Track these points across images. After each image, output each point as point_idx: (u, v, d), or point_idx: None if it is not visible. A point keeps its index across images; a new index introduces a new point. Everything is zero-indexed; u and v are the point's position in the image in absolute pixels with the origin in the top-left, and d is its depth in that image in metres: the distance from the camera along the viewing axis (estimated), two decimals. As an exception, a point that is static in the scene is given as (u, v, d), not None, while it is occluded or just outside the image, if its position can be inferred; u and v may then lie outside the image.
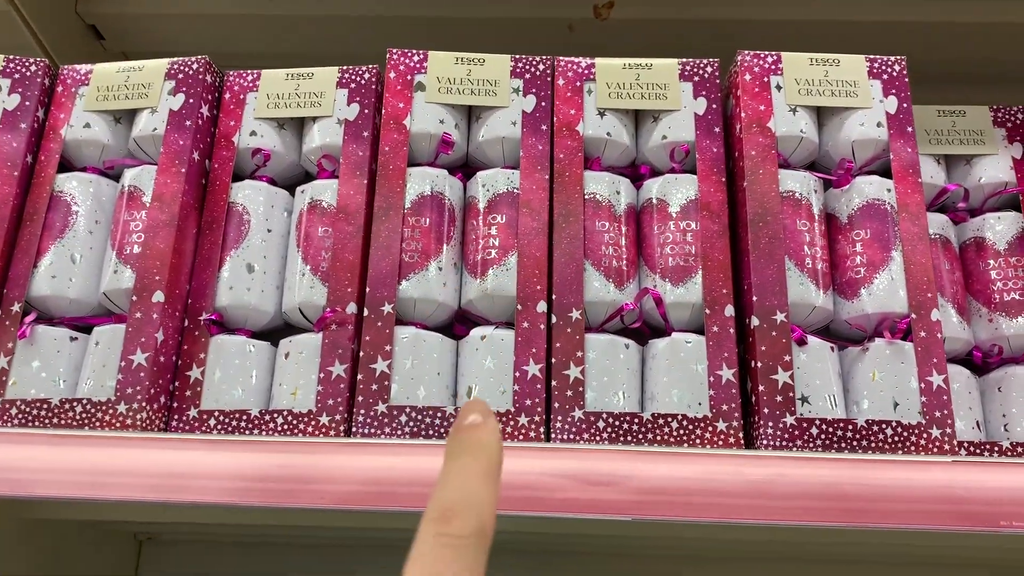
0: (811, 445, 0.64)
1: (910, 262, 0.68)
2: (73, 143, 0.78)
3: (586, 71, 0.77)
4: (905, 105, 0.74)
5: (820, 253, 0.70)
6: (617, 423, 0.65)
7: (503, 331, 0.69)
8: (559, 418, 0.66)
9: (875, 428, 0.64)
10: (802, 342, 0.67)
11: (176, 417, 0.69)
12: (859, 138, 0.73)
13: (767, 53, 0.75)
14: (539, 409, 0.66)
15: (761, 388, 0.65)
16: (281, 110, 0.78)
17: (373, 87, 0.77)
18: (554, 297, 0.69)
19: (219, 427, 0.68)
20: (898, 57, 0.75)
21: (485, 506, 0.25)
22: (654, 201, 0.73)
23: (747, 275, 0.69)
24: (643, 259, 0.72)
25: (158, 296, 0.70)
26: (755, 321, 0.67)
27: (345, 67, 0.79)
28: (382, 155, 0.73)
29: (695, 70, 0.76)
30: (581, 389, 0.66)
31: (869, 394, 0.66)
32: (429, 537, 0.24)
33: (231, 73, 0.81)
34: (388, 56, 0.77)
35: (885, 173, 0.73)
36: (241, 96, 0.79)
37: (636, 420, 0.65)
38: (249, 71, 0.81)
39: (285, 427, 0.67)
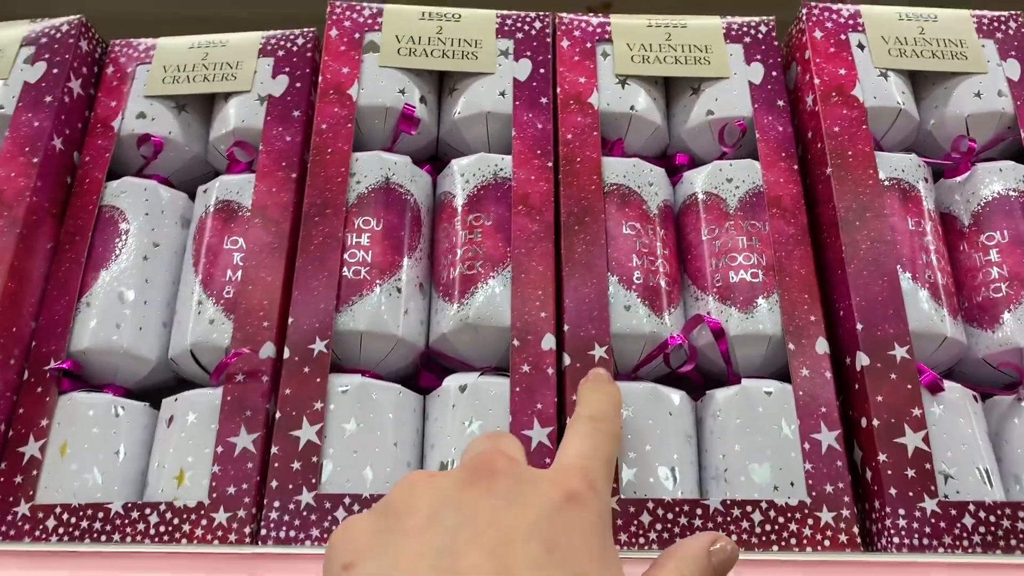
0: (964, 544, 0.42)
1: (1071, 274, 0.48)
2: None
3: (598, 30, 0.57)
4: (1031, 70, 0.54)
5: (942, 263, 0.49)
6: (668, 515, 0.43)
7: (492, 379, 0.46)
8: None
9: (1057, 516, 0.42)
10: (935, 388, 0.45)
11: (-4, 517, 0.45)
12: (976, 111, 0.53)
13: (841, 6, 0.56)
14: (549, 495, 0.43)
15: (882, 458, 0.43)
16: (181, 85, 0.57)
17: (308, 55, 0.57)
18: (566, 329, 0.47)
19: (62, 531, 0.44)
20: (1014, 12, 0.57)
21: (617, 422, 0.32)
22: (701, 197, 0.52)
23: (843, 295, 0.48)
24: (687, 276, 0.51)
25: (-20, 335, 0.47)
26: (863, 359, 0.45)
27: (270, 32, 0.58)
28: (317, 135, 0.52)
29: (745, 30, 0.56)
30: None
31: (1037, 465, 0.45)
32: (584, 425, 0.30)
33: (117, 42, 0.60)
34: (330, 10, 0.56)
35: (1013, 158, 0.53)
36: (128, 69, 0.58)
37: (698, 510, 0.43)
38: (142, 39, 0.60)
39: (163, 529, 0.44)
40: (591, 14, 0.57)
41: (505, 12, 0.57)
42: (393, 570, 0.24)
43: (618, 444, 0.30)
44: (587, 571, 0.24)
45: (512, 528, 0.24)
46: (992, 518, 0.42)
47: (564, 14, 0.57)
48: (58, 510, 0.45)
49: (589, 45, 0.56)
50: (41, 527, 0.45)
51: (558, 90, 0.54)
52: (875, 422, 0.44)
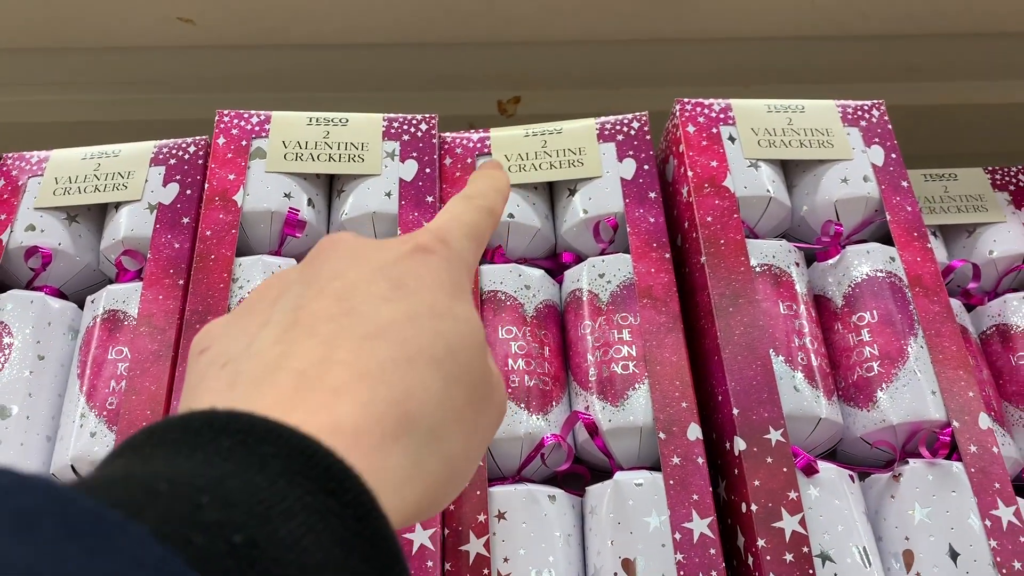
0: (844, 627, 0.42)
1: (937, 350, 0.50)
2: None
3: (479, 144, 0.59)
4: (894, 156, 0.57)
5: (816, 345, 0.51)
6: (551, 613, 0.42)
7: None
8: (463, 612, 0.43)
9: (933, 593, 0.43)
10: (810, 470, 0.46)
11: None
12: (844, 197, 0.55)
13: (712, 100, 0.58)
14: (432, 598, 0.43)
15: (761, 543, 0.44)
16: (73, 196, 0.57)
17: (200, 163, 0.58)
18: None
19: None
20: (876, 101, 0.60)
21: (495, 201, 0.30)
22: (581, 294, 0.53)
23: (720, 380, 0.49)
24: (571, 372, 0.52)
25: None
26: (740, 444, 0.46)
27: (163, 141, 0.59)
28: (202, 243, 0.53)
29: (618, 128, 0.59)
30: (487, 571, 0.44)
31: (914, 541, 0.45)
32: (454, 201, 0.29)
33: (10, 155, 0.60)
34: (218, 118, 0.58)
35: (881, 240, 0.55)
36: (20, 182, 0.59)
37: (579, 606, 0.42)
38: (34, 152, 0.60)
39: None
40: (472, 130, 0.59)
41: (392, 115, 0.59)
42: (243, 335, 0.23)
43: (490, 218, 0.28)
44: (436, 301, 0.23)
45: (356, 275, 0.24)
46: (870, 599, 0.43)
47: (448, 133, 0.59)
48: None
49: (469, 161, 0.58)
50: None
51: (442, 191, 0.56)
52: (753, 507, 0.45)
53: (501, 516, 0.46)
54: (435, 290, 0.24)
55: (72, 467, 0.48)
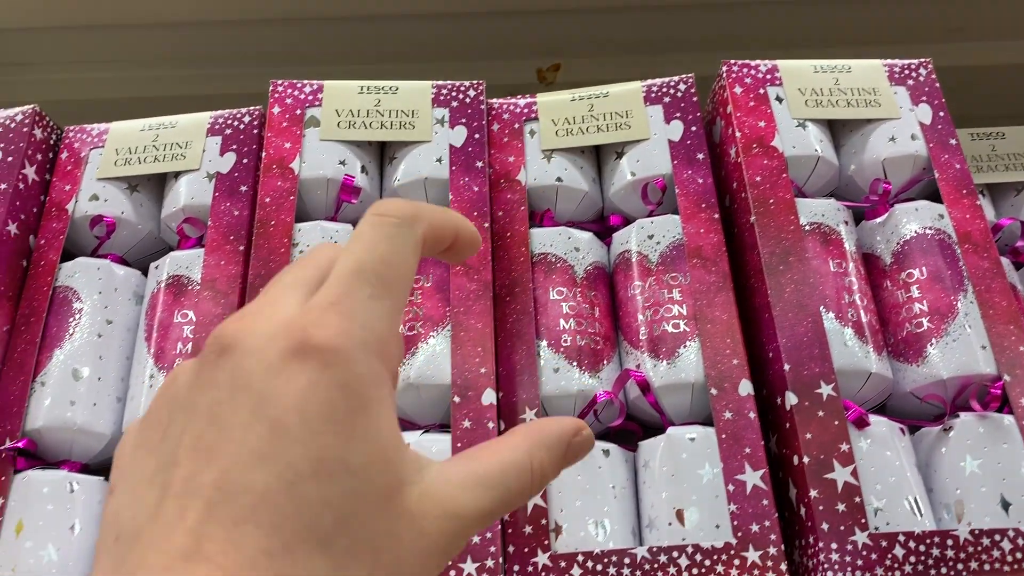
0: (896, 573, 0.43)
1: (987, 306, 0.50)
2: None
3: (526, 110, 0.60)
4: (942, 114, 0.57)
5: (865, 302, 0.51)
6: (600, 567, 0.44)
7: (435, 436, 0.48)
8: (516, 566, 0.44)
9: (984, 542, 0.44)
10: (862, 423, 0.47)
11: (-48, 598, 0.46)
12: (892, 155, 0.56)
13: (759, 62, 0.59)
14: (492, 549, 0.44)
15: (814, 494, 0.44)
16: (133, 167, 0.59)
17: (255, 132, 0.59)
18: (501, 395, 0.49)
19: (16, 609, 0.45)
20: (923, 60, 0.60)
21: (424, 207, 0.23)
22: (630, 256, 0.54)
23: (771, 337, 0.50)
24: (621, 332, 0.53)
25: (-65, 418, 0.48)
26: (791, 399, 0.47)
27: (219, 111, 0.61)
28: (261, 209, 0.54)
29: (665, 90, 0.59)
30: (544, 522, 0.45)
31: (965, 492, 0.46)
32: (365, 222, 0.23)
33: (71, 128, 0.62)
34: (272, 88, 0.59)
35: (929, 198, 0.55)
36: (83, 154, 0.60)
37: (626, 559, 0.44)
38: (95, 124, 0.62)
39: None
40: (519, 96, 0.60)
41: (440, 83, 0.60)
42: (137, 487, 0.21)
43: (412, 229, 0.23)
44: (325, 449, 0.19)
45: (232, 419, 0.20)
46: (922, 547, 0.43)
47: (495, 100, 0.60)
48: (13, 588, 0.46)
49: (517, 126, 0.59)
50: (-3, 606, 0.46)
51: (489, 154, 0.57)
52: (805, 459, 0.45)
53: (557, 469, 0.47)
54: (323, 429, 0.20)
55: (144, 425, 0.50)
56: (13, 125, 0.60)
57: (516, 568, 0.44)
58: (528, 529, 0.45)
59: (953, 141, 0.56)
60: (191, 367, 0.22)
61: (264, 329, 0.21)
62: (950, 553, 0.43)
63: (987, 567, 0.43)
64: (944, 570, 0.43)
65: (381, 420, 0.21)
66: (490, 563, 0.44)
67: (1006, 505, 0.45)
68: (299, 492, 0.19)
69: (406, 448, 0.21)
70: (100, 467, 0.52)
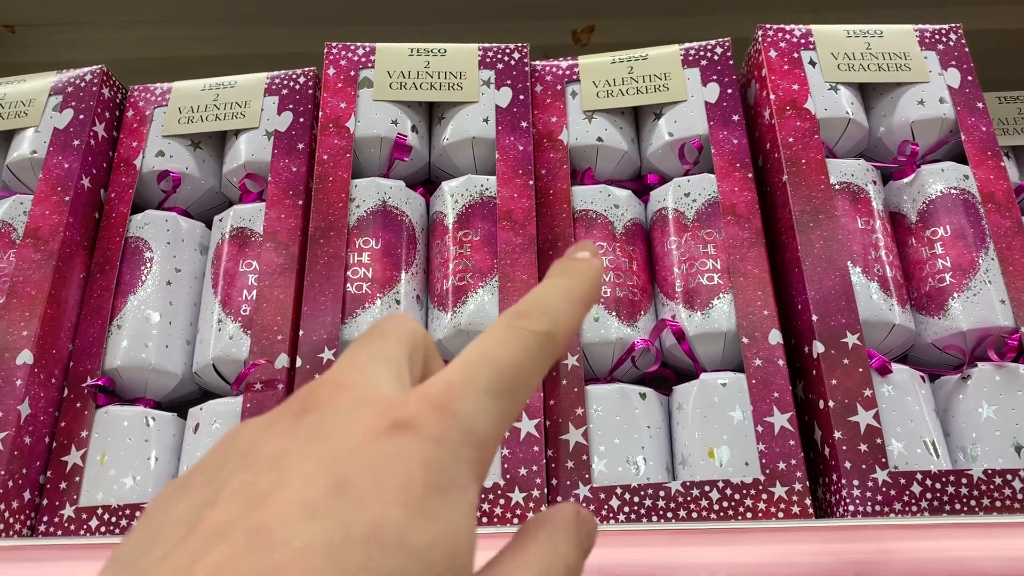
0: (913, 509, 0.46)
1: (1008, 262, 0.53)
2: (-70, 176, 0.61)
3: (568, 72, 0.62)
4: (970, 78, 0.59)
5: (891, 258, 0.54)
6: (637, 499, 0.47)
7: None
8: (559, 498, 0.48)
9: (997, 481, 0.47)
10: (884, 371, 0.50)
11: (45, 518, 0.51)
12: (920, 118, 0.58)
13: (793, 26, 0.61)
14: (538, 481, 0.48)
15: (838, 435, 0.48)
16: (196, 125, 0.63)
17: (310, 92, 0.62)
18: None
19: (103, 529, 0.50)
20: (953, 24, 0.61)
21: (561, 316, 0.22)
22: (667, 213, 0.57)
23: (800, 290, 0.53)
24: (657, 285, 0.56)
25: (24, 357, 0.53)
26: (818, 347, 0.50)
27: (275, 72, 0.64)
28: (319, 166, 0.58)
29: (702, 54, 0.62)
30: (585, 457, 0.49)
31: (980, 437, 0.49)
32: (501, 324, 0.22)
33: (136, 87, 0.65)
34: (327, 50, 0.62)
35: (955, 159, 0.58)
36: (147, 112, 0.64)
37: (661, 492, 0.47)
38: (158, 84, 0.65)
39: (193, 525, 0.49)
40: (561, 59, 0.63)
41: (487, 45, 0.62)
42: (146, 536, 0.18)
43: (548, 346, 0.21)
44: (387, 519, 0.17)
45: (296, 469, 0.18)
46: (938, 485, 0.47)
47: (537, 62, 0.63)
48: (99, 511, 0.50)
49: (559, 88, 0.61)
50: (85, 527, 0.50)
51: (533, 113, 0.60)
52: (831, 403, 0.49)
53: (596, 410, 0.51)
54: (392, 499, 0.17)
55: (214, 366, 0.54)
56: (83, 84, 0.63)
57: (559, 499, 0.48)
58: (570, 464, 0.49)
59: (980, 105, 0.58)
60: (262, 420, 0.20)
61: (359, 396, 0.20)
62: (964, 491, 0.47)
63: (999, 503, 0.46)
64: (958, 506, 0.46)
65: (460, 509, 0.18)
66: (536, 493, 0.48)
67: (1018, 448, 0.48)
68: (342, 557, 0.16)
69: (474, 551, 0.18)
70: (172, 405, 0.56)
